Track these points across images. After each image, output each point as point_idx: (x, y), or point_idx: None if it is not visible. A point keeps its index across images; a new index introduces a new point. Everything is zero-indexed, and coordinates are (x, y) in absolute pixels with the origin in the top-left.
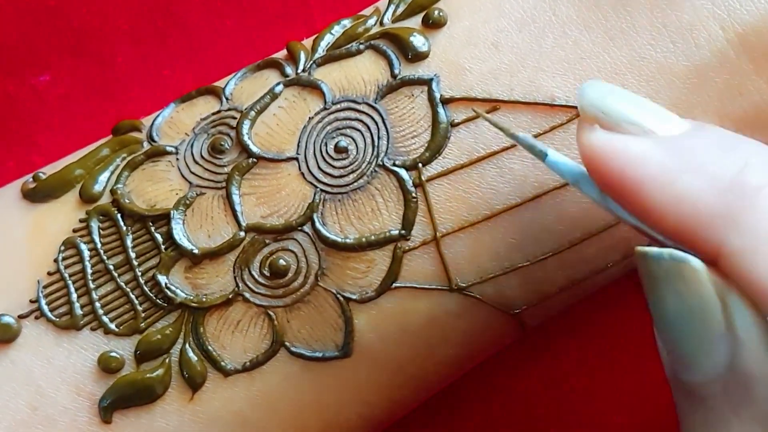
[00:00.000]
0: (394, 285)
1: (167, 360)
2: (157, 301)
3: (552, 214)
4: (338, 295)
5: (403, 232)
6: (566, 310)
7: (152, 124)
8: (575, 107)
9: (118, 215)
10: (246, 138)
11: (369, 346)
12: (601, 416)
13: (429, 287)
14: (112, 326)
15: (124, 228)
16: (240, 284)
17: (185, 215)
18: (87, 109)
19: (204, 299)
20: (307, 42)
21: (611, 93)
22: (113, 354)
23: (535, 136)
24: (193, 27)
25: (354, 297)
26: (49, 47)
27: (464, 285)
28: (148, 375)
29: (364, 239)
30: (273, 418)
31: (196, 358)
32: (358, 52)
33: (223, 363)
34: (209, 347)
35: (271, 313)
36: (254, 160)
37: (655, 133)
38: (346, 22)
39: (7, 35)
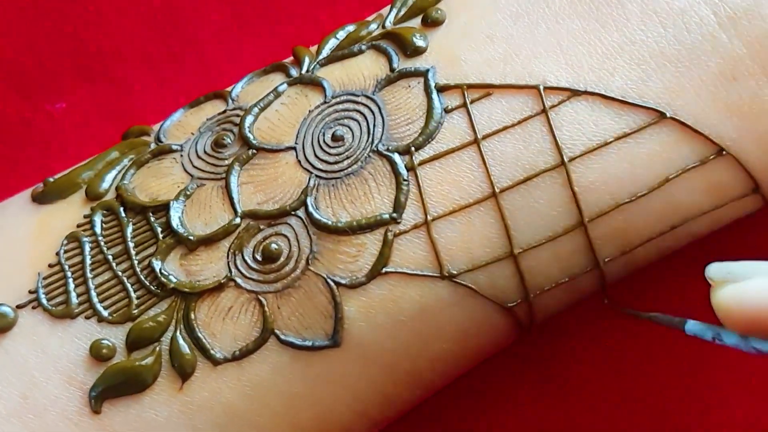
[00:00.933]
0: (385, 270)
1: (158, 348)
2: (151, 287)
3: (543, 198)
4: (328, 280)
5: (394, 215)
6: (566, 311)
7: (160, 127)
8: (566, 89)
9: (121, 208)
10: (247, 131)
11: (360, 336)
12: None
13: (420, 273)
14: (106, 314)
15: (125, 219)
16: (232, 269)
17: (185, 205)
18: (103, 135)
19: (196, 284)
20: (314, 48)
21: (730, 263)
22: (105, 342)
23: (527, 119)
24: (209, 53)
25: (344, 282)
26: (66, 73)
27: (455, 272)
28: (138, 363)
29: (355, 222)
30: (263, 411)
31: (186, 346)
32: (360, 51)
33: (212, 351)
34: (199, 334)
35: (262, 299)
36: (254, 151)
37: None
38: (350, 27)
39: (23, 61)
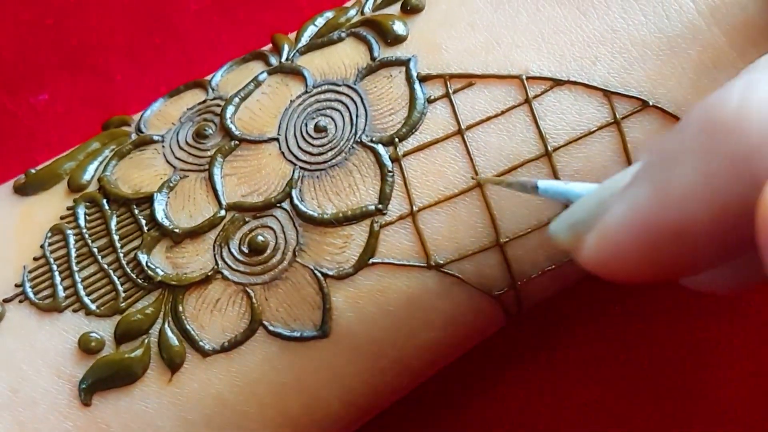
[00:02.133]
0: (372, 261)
1: (146, 340)
2: (138, 280)
3: None
4: (315, 271)
5: (379, 206)
6: (553, 301)
7: (141, 117)
8: (549, 79)
9: (104, 200)
10: (229, 122)
11: (348, 326)
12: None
13: (407, 263)
14: (93, 307)
15: (109, 211)
16: (219, 262)
17: (168, 197)
18: (85, 126)
19: (183, 277)
20: (293, 35)
21: (569, 210)
22: (93, 335)
23: (510, 109)
24: (191, 43)
25: (331, 273)
26: (47, 64)
27: (442, 262)
28: (127, 355)
29: (341, 214)
30: (252, 402)
31: (175, 338)
32: (340, 39)
33: (201, 343)
34: (188, 327)
35: (250, 291)
36: (236, 142)
37: None
38: (329, 14)
39: (5, 53)
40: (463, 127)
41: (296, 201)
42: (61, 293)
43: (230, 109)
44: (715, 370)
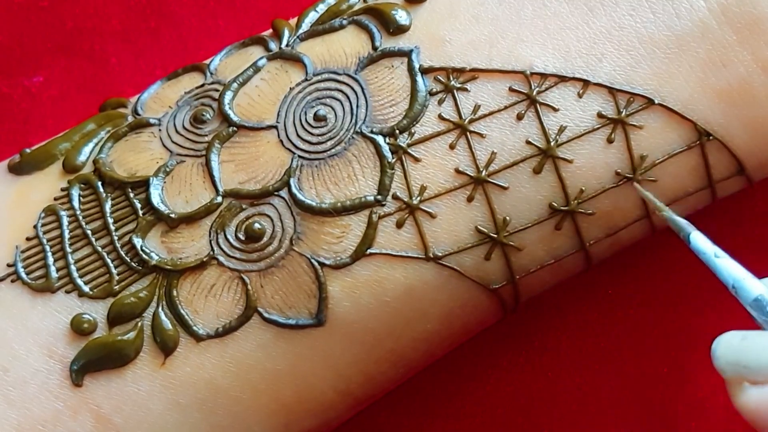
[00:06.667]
0: (369, 251)
1: (140, 324)
2: (132, 264)
3: (530, 182)
4: (312, 260)
5: (378, 197)
6: (550, 295)
7: (138, 99)
8: (553, 75)
9: (99, 183)
10: (227, 108)
11: (344, 315)
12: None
13: (405, 255)
14: (86, 289)
15: (104, 194)
16: (215, 248)
17: (164, 182)
18: (80, 110)
19: (178, 262)
20: (293, 21)
21: (743, 342)
22: (86, 316)
23: (513, 104)
24: (186, 27)
25: (328, 262)
26: (43, 48)
27: (440, 254)
28: (119, 338)
29: (339, 204)
30: (245, 388)
31: (168, 322)
32: (341, 27)
33: (195, 328)
34: (182, 311)
35: (245, 278)
36: (234, 128)
37: None
38: (331, 0)
39: (0, 36)
40: (465, 121)
41: (294, 190)
42: (54, 274)
43: (229, 95)
44: (701, 357)
